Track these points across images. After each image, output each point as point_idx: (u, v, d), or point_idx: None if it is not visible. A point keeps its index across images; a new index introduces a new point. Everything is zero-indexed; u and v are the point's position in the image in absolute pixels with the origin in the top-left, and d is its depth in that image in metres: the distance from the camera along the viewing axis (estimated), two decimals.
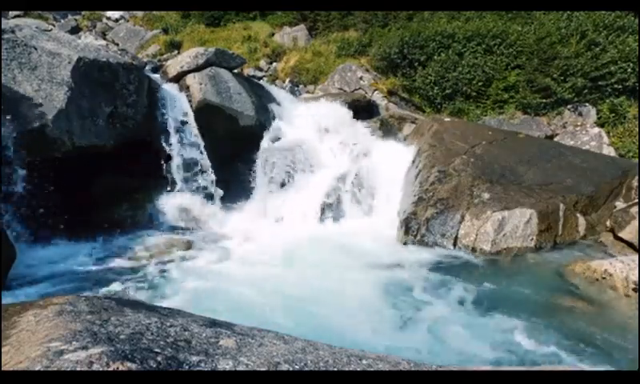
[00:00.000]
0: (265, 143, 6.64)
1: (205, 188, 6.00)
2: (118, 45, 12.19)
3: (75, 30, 11.88)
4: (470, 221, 5.13)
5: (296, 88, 9.93)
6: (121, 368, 1.32)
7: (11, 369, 1.34)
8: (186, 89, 6.22)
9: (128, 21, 14.48)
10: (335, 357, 1.73)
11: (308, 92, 9.71)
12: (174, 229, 5.58)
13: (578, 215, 5.43)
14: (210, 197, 6.03)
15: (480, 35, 8.78)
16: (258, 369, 1.53)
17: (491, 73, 8.37)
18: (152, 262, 4.73)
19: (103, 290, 4.06)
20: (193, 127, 5.96)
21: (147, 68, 6.34)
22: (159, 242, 5.24)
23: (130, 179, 5.65)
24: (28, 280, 4.16)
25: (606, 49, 8.04)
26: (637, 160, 6.82)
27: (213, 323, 1.98)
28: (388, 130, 7.72)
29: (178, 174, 5.84)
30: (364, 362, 1.72)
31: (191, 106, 6.06)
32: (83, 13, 14.03)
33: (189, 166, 5.92)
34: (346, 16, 12.03)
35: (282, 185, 6.40)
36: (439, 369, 1.78)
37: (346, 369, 1.65)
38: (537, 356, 3.30)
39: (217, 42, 11.39)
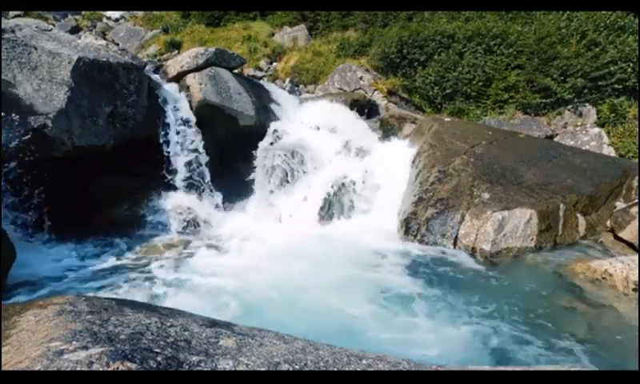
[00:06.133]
0: (265, 143, 6.64)
1: (205, 188, 6.00)
2: (118, 45, 12.18)
3: (75, 30, 11.87)
4: (470, 221, 5.13)
5: (296, 88, 9.93)
6: (121, 368, 1.32)
7: (11, 369, 1.34)
8: (186, 89, 6.22)
9: (128, 21, 14.49)
10: (335, 357, 1.73)
11: (308, 92, 9.71)
12: (173, 229, 5.58)
13: (578, 215, 5.43)
14: (209, 197, 6.03)
15: (480, 35, 8.77)
16: (258, 369, 1.53)
17: (491, 73, 8.37)
18: (152, 262, 4.73)
19: (103, 290, 4.06)
20: (193, 127, 5.96)
21: (147, 68, 6.33)
22: (159, 241, 5.25)
23: (130, 179, 5.65)
24: (28, 280, 4.16)
25: (606, 49, 8.03)
26: (637, 160, 6.82)
27: (213, 323, 1.98)
28: (388, 129, 7.71)
29: (177, 174, 5.84)
30: (364, 361, 1.72)
31: (191, 106, 6.06)
32: (83, 13, 14.04)
33: (189, 165, 5.92)
34: (346, 16, 12.03)
35: (282, 184, 6.40)
36: (439, 369, 1.77)
37: (346, 369, 1.64)
38: (537, 356, 3.30)
39: (217, 41, 11.39)
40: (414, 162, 6.41)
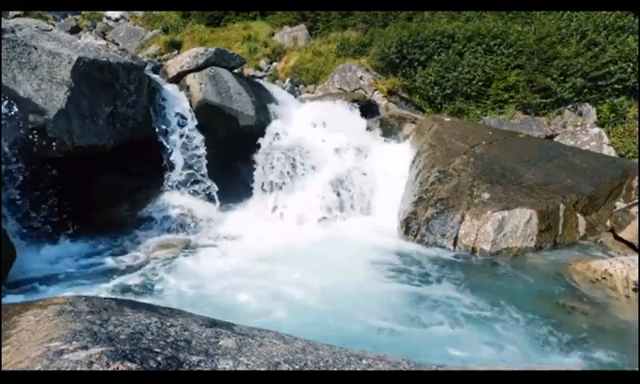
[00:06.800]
0: (265, 143, 6.64)
1: (205, 188, 6.00)
2: (118, 45, 12.17)
3: (75, 30, 11.86)
4: (470, 221, 5.13)
5: (296, 88, 9.92)
6: (121, 368, 1.32)
7: (11, 369, 1.34)
8: (186, 89, 6.22)
9: (128, 21, 14.48)
10: (335, 357, 1.73)
11: (308, 92, 9.70)
12: (173, 229, 5.58)
13: (578, 215, 5.43)
14: (209, 197, 6.03)
15: (480, 35, 8.77)
16: (258, 369, 1.53)
17: (491, 73, 8.37)
18: (152, 262, 4.73)
19: (103, 290, 4.06)
20: (193, 127, 5.96)
21: (147, 68, 6.32)
22: (159, 241, 5.25)
23: (130, 179, 5.65)
24: (28, 280, 4.16)
25: (605, 49, 8.03)
26: (637, 160, 6.82)
27: (213, 323, 1.98)
28: (388, 129, 7.72)
29: (177, 174, 5.84)
30: (364, 361, 1.72)
31: (191, 106, 6.05)
32: (83, 13, 14.03)
33: (189, 166, 5.92)
34: (346, 16, 12.02)
35: (282, 184, 6.40)
36: (439, 369, 1.77)
37: (346, 369, 1.65)
38: (537, 356, 3.30)
39: (217, 41, 11.38)
40: (413, 161, 6.41)
